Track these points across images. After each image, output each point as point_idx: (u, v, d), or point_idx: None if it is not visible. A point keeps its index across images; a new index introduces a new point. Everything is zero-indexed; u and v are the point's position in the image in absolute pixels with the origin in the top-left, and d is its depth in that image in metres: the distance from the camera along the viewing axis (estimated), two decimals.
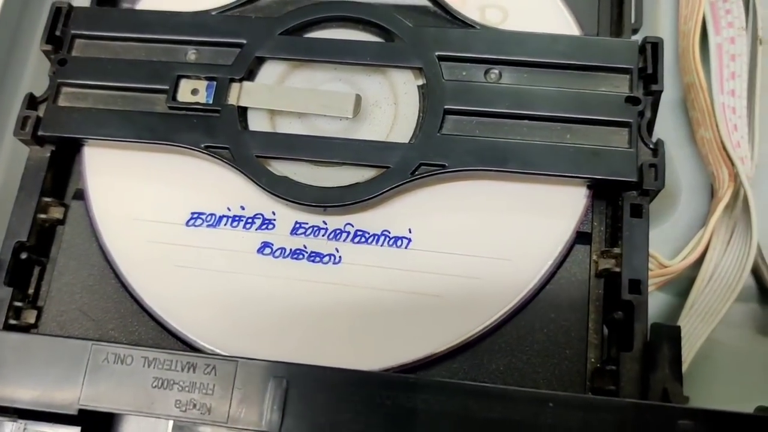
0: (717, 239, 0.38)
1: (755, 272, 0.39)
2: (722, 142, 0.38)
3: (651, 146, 0.35)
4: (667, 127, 0.42)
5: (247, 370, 0.30)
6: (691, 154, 0.42)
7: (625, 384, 0.32)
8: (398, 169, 0.35)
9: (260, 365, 0.30)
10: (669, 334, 0.31)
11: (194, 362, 0.31)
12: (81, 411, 0.30)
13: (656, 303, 0.39)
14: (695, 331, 0.36)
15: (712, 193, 0.40)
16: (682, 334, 0.34)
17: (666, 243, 0.40)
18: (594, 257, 0.35)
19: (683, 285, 0.39)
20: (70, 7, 0.40)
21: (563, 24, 0.38)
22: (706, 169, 0.40)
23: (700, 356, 0.38)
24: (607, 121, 0.35)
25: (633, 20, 0.39)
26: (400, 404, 0.29)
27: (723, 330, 0.39)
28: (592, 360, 0.34)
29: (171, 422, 0.31)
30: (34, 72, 0.45)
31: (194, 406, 0.30)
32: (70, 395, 0.30)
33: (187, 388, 0.30)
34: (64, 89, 0.38)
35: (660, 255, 0.37)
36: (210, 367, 0.30)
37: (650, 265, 0.37)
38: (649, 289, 0.36)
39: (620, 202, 0.35)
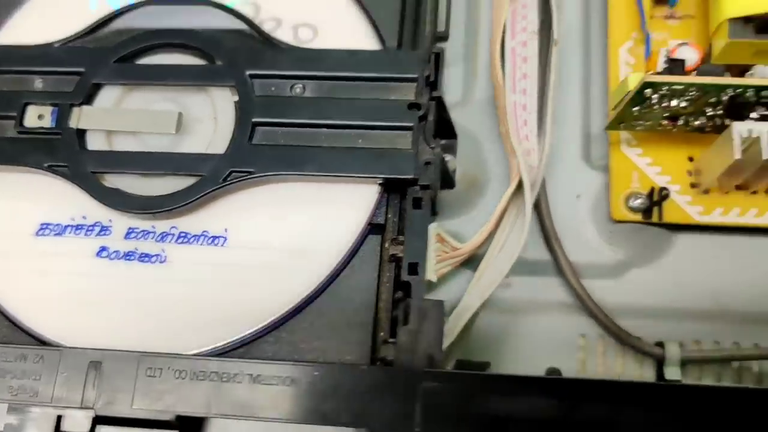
0: (506, 222, 0.43)
1: (550, 248, 0.44)
2: (511, 137, 0.43)
3: (431, 146, 0.40)
4: (482, 123, 0.47)
5: (69, 357, 0.35)
6: (500, 148, 0.47)
7: (399, 354, 0.37)
8: (211, 177, 0.40)
9: (80, 352, 0.35)
10: (433, 308, 0.36)
11: (25, 353, 0.36)
12: None
13: (458, 281, 0.44)
14: (472, 303, 0.41)
15: None
16: (462, 307, 0.40)
17: (472, 229, 0.44)
18: (386, 245, 0.40)
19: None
20: None
21: (366, 39, 0.43)
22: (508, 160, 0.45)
23: (503, 324, 0.43)
24: (393, 126, 0.40)
25: (443, 28, 0.45)
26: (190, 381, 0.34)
27: (524, 299, 0.44)
28: (382, 335, 0.39)
29: (5, 406, 0.36)
30: None
31: (24, 390, 0.35)
32: None
33: (18, 376, 0.35)
34: None
35: (452, 239, 0.42)
36: (38, 356, 0.35)
37: (445, 248, 0.42)
38: (445, 269, 0.42)
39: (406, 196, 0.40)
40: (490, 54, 0.47)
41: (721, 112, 0.39)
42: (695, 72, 0.40)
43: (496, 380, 0.35)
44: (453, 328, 0.40)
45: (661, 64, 0.41)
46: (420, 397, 0.33)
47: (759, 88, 0.38)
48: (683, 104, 0.39)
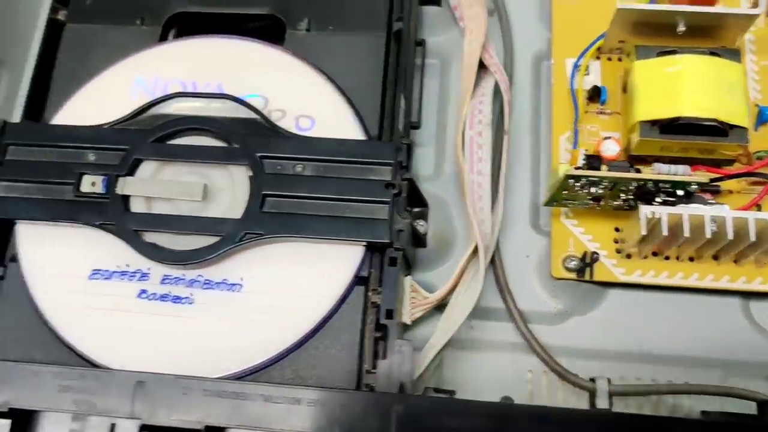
0: (466, 277, 0.53)
1: (503, 298, 0.55)
2: (470, 209, 0.54)
3: (404, 217, 0.50)
4: (450, 193, 0.57)
5: (119, 377, 0.44)
6: (465, 213, 0.57)
7: (380, 381, 0.46)
8: (229, 237, 0.49)
9: (128, 374, 0.44)
10: (404, 347, 0.46)
11: (84, 373, 0.45)
12: (10, 409, 0.43)
13: (428, 323, 0.53)
14: (439, 341, 0.50)
15: None
16: (431, 343, 0.50)
17: (443, 280, 0.53)
18: (369, 293, 0.49)
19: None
20: (5, 123, 0.54)
21: (353, 128, 0.52)
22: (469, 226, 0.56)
23: (467, 359, 0.53)
24: (373, 200, 0.49)
25: (415, 119, 0.55)
26: (216, 400, 0.44)
27: (485, 340, 0.54)
28: (366, 366, 0.48)
29: (70, 416, 0.46)
30: None
31: (85, 403, 0.44)
32: (2, 398, 0.45)
33: (80, 391, 0.43)
34: (1, 183, 0.52)
35: (422, 289, 0.52)
36: (95, 376, 0.44)
37: (418, 297, 0.52)
38: (417, 314, 0.52)
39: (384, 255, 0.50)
40: (455, 140, 0.57)
41: (632, 196, 0.50)
42: (612, 163, 0.50)
43: (457, 404, 0.44)
44: (423, 360, 0.49)
45: (580, 160, 0.50)
46: (394, 417, 0.42)
47: (656, 181, 0.48)
48: (600, 190, 0.49)
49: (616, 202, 0.50)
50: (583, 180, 0.48)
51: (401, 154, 0.49)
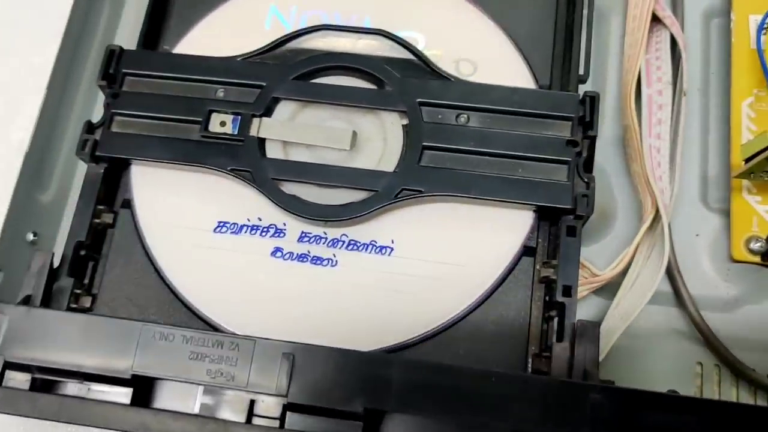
0: (640, 254, 0.46)
1: (671, 281, 0.48)
2: (647, 176, 0.47)
3: (585, 180, 0.44)
4: (609, 159, 0.51)
5: (263, 347, 0.39)
6: (627, 183, 0.51)
7: (555, 367, 0.41)
8: (384, 193, 0.44)
9: (273, 344, 0.38)
10: (590, 329, 0.40)
11: (222, 340, 0.39)
12: (133, 376, 0.38)
13: (591, 303, 0.47)
14: (616, 326, 0.44)
15: (641, 217, 0.49)
16: (604, 329, 0.44)
17: (602, 256, 0.48)
18: (538, 266, 0.44)
19: (614, 290, 0.47)
20: (122, 50, 0.48)
21: (522, 76, 0.47)
22: (636, 196, 0.49)
23: (625, 348, 0.47)
24: (551, 159, 0.44)
25: (582, 72, 0.49)
26: (378, 376, 0.38)
27: (645, 327, 0.48)
28: (533, 349, 0.43)
29: (201, 387, 0.40)
30: (82, 102, 0.53)
31: (221, 374, 0.39)
32: (124, 364, 0.39)
33: (216, 361, 0.39)
34: (117, 118, 0.46)
35: (592, 265, 0.46)
36: (234, 344, 0.39)
37: (585, 274, 0.46)
38: (584, 293, 0.46)
39: (559, 224, 0.44)
40: (621, 99, 0.51)
41: None
42: None
43: (659, 398, 0.38)
44: (602, 348, 0.43)
45: None
46: (588, 407, 0.36)
47: None
48: None
49: None
50: None
51: (585, 107, 0.44)
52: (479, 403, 0.37)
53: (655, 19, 0.52)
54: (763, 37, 0.50)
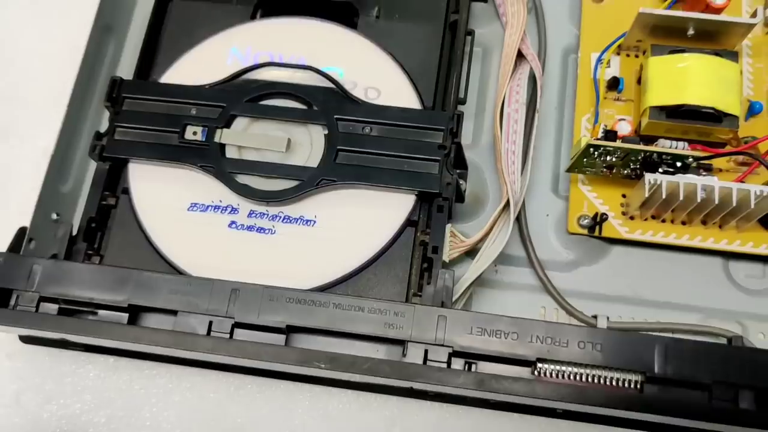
0: (497, 227, 0.63)
1: (525, 248, 0.65)
2: (503, 172, 0.64)
3: (450, 173, 0.61)
4: (484, 159, 0.66)
5: (219, 285, 0.55)
6: (495, 177, 0.68)
7: (425, 300, 0.57)
8: (308, 182, 0.60)
9: (225, 283, 0.54)
10: (448, 275, 0.56)
11: (190, 281, 0.54)
12: (129, 305, 0.52)
13: (465, 263, 0.63)
14: (474, 274, 0.60)
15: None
16: (465, 276, 0.61)
17: (476, 229, 0.60)
18: (418, 234, 0.60)
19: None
20: (122, 80, 0.61)
21: (412, 99, 0.61)
22: (500, 187, 0.67)
23: (490, 295, 0.62)
24: (427, 159, 0.59)
25: (462, 95, 0.66)
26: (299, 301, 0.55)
27: (507, 282, 0.64)
28: (413, 290, 0.59)
29: (176, 313, 0.57)
30: (93, 117, 0.66)
31: (189, 304, 0.55)
32: (122, 297, 0.52)
33: (186, 295, 0.54)
34: (118, 129, 0.59)
35: (461, 234, 0.63)
36: (199, 284, 0.54)
37: (456, 240, 0.63)
38: (454, 254, 0.63)
39: (432, 204, 0.60)
40: (493, 115, 0.68)
41: (639, 166, 0.61)
42: (625, 139, 0.61)
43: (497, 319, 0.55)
44: (457, 292, 0.59)
45: (600, 133, 0.59)
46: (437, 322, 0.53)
47: (660, 154, 0.59)
48: (614, 160, 0.60)
49: (625, 171, 0.61)
50: (601, 149, 0.58)
51: (452, 122, 0.58)
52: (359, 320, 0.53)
53: (520, 56, 0.69)
54: (599, 70, 0.67)
